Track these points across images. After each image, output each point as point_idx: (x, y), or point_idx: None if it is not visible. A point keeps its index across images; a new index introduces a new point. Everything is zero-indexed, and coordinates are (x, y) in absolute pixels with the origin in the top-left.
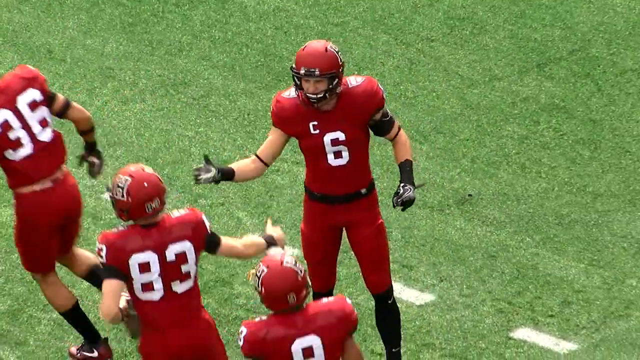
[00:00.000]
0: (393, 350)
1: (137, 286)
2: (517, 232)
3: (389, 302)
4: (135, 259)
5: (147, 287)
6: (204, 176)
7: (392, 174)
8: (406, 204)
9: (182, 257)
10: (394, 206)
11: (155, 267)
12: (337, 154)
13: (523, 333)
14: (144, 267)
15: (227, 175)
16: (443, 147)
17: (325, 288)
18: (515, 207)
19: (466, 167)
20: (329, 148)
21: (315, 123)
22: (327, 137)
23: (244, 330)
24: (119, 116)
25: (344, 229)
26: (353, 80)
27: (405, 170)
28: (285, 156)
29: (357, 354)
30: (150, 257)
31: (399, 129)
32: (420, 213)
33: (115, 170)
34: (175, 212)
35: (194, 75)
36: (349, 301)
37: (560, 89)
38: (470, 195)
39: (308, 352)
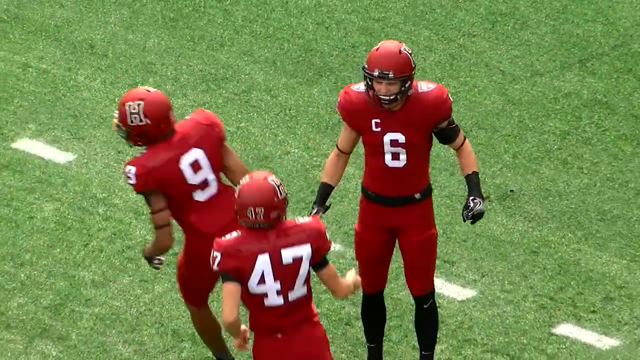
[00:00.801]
0: (424, 353)
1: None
2: (559, 228)
3: (425, 306)
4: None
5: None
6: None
7: (433, 169)
8: (476, 217)
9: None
10: (464, 220)
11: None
12: (395, 155)
13: (565, 329)
14: (196, 166)
15: (327, 196)
16: (485, 143)
17: (374, 289)
18: (557, 203)
19: (508, 163)
20: (387, 148)
21: (378, 121)
22: (387, 137)
23: (131, 168)
24: None
25: (396, 232)
26: (424, 86)
27: (473, 182)
28: (327, 151)
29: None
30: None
31: (465, 138)
32: (462, 209)
33: None
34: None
35: (236, 70)
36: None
37: (603, 85)
38: (512, 190)
39: (196, 165)
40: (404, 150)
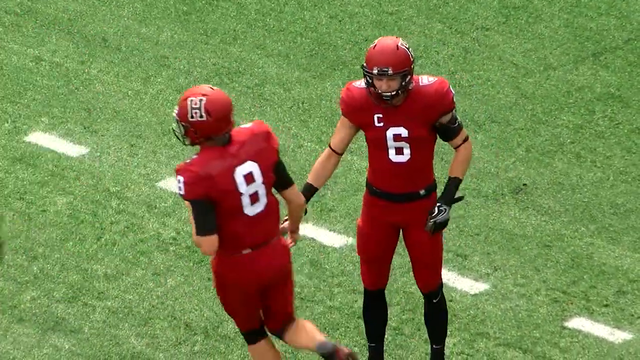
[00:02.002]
0: (435, 346)
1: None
2: (572, 222)
3: (435, 301)
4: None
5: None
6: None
7: (446, 163)
8: (438, 226)
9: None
10: (425, 226)
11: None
12: (399, 150)
13: (578, 322)
14: (249, 178)
15: (310, 196)
16: (498, 137)
17: (375, 286)
18: (570, 197)
19: (521, 157)
20: (390, 143)
21: (380, 116)
22: (390, 132)
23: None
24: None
25: (401, 229)
26: (425, 79)
27: (449, 188)
28: None
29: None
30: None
31: (466, 140)
32: (475, 202)
33: (169, 158)
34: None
35: (249, 64)
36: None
37: (616, 78)
38: (525, 184)
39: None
40: (408, 145)
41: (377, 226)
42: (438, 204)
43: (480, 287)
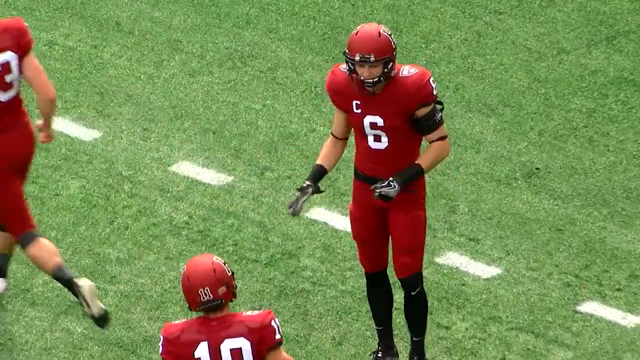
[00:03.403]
0: (414, 339)
1: None
2: (585, 206)
3: (413, 293)
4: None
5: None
6: (301, 202)
7: (458, 147)
8: (382, 196)
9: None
10: (373, 190)
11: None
12: (377, 138)
13: (590, 307)
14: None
15: (320, 177)
16: (510, 120)
17: (373, 268)
18: (583, 181)
19: (534, 141)
20: (368, 130)
21: (359, 102)
22: (367, 120)
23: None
24: (186, 89)
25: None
26: (407, 70)
27: (409, 170)
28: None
29: None
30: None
31: (442, 138)
32: (487, 186)
33: (182, 142)
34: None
35: (261, 47)
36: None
37: (629, 62)
38: (537, 168)
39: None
40: (384, 133)
41: (365, 209)
42: (392, 179)
43: (493, 271)
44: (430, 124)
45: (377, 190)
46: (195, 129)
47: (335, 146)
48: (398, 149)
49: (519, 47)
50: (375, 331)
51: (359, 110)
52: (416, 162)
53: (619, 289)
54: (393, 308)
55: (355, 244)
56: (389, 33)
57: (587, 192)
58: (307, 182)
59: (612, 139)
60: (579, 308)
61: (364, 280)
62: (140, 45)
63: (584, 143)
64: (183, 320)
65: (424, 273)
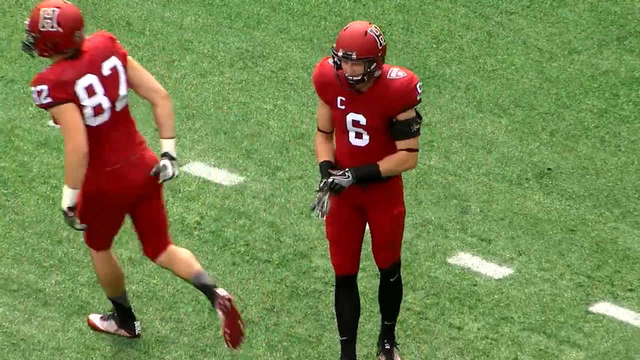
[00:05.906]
0: (386, 323)
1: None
2: (597, 206)
3: (391, 280)
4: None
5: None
6: (325, 202)
7: (470, 147)
8: (335, 186)
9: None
10: (327, 177)
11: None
12: (358, 135)
13: (602, 307)
14: (91, 90)
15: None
16: (522, 121)
17: (342, 269)
18: (595, 181)
19: (545, 141)
20: (350, 127)
21: (343, 99)
22: (350, 117)
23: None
24: (197, 89)
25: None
26: (395, 73)
27: (367, 167)
28: None
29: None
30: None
31: (410, 150)
32: (499, 187)
33: (193, 142)
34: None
35: (272, 48)
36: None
37: None
38: (549, 169)
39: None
40: (366, 132)
41: (342, 207)
42: (348, 170)
43: (505, 271)
44: (406, 130)
45: (332, 178)
46: (207, 129)
47: (328, 141)
48: (378, 147)
49: (530, 47)
50: (339, 342)
51: (343, 107)
52: (377, 163)
53: (631, 290)
54: (359, 320)
55: (329, 245)
56: (378, 34)
57: (599, 192)
58: (324, 181)
59: (623, 139)
60: (591, 308)
61: (375, 280)
62: (151, 46)
63: (595, 143)
64: None
65: (436, 274)
